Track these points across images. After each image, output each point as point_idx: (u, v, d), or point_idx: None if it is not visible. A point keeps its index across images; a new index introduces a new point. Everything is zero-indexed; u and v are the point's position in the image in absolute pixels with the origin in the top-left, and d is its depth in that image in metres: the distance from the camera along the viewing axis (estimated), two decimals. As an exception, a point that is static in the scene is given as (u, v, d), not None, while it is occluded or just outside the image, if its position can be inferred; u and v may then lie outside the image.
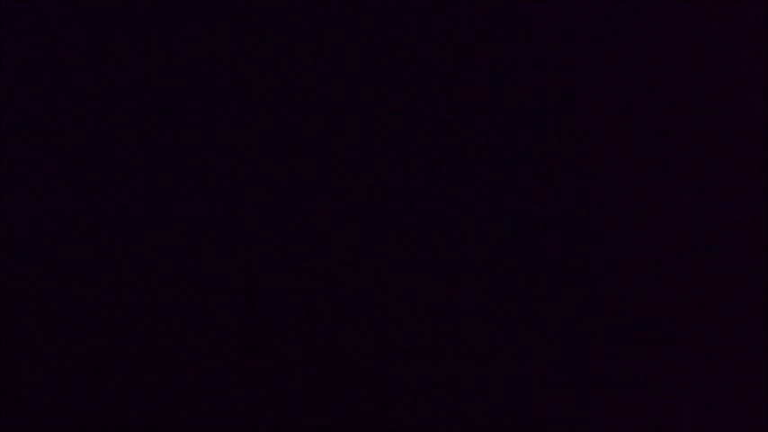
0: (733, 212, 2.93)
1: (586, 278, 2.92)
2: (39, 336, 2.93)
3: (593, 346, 2.92)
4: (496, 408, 2.90)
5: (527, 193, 2.94)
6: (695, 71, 2.96)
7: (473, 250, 2.94)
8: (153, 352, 2.92)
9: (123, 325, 2.93)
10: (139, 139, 2.97)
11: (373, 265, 2.94)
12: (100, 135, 2.97)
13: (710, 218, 2.93)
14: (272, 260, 2.95)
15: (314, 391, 2.92)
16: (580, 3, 2.94)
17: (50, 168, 2.96)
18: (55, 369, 2.92)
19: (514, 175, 2.94)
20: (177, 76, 2.97)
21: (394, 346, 2.93)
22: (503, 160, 2.94)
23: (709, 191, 2.94)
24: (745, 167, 2.93)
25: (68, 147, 2.96)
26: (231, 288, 2.95)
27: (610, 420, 2.90)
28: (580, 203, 2.93)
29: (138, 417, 2.92)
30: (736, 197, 2.93)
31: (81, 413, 2.92)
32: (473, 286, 2.93)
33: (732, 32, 2.94)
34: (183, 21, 2.96)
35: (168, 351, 2.92)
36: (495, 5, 2.94)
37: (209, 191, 2.96)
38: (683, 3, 2.95)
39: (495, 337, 2.93)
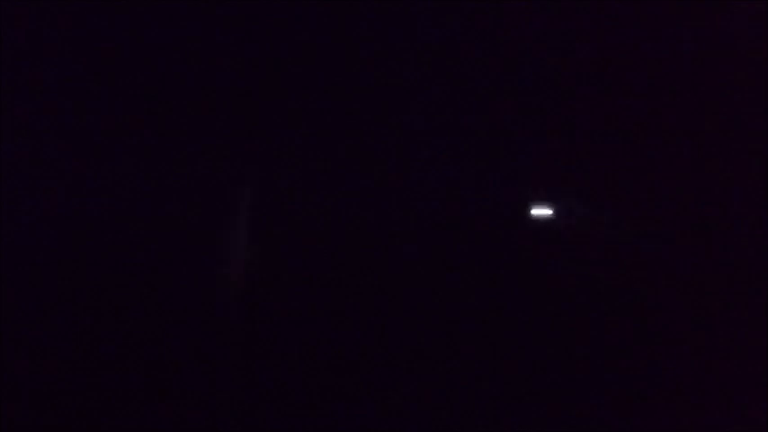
0: (733, 212, 2.93)
1: (586, 279, 2.93)
2: (38, 336, 2.93)
3: (592, 346, 2.93)
4: (496, 408, 2.91)
5: (527, 192, 2.95)
6: (695, 71, 2.97)
7: (472, 250, 2.95)
8: (152, 352, 2.93)
9: (122, 325, 2.94)
10: (139, 138, 2.98)
11: (372, 265, 2.95)
12: (99, 135, 2.98)
13: (711, 218, 2.94)
14: (270, 261, 2.96)
15: (314, 391, 2.93)
16: (581, 3, 2.95)
17: (50, 168, 2.97)
18: (55, 369, 2.93)
19: (514, 175, 2.95)
20: (177, 77, 2.98)
21: (393, 347, 2.94)
22: (502, 160, 2.95)
23: (709, 191, 2.94)
24: (745, 167, 2.93)
25: (68, 147, 2.97)
26: (230, 288, 2.96)
27: (611, 421, 2.91)
28: (580, 203, 2.94)
29: (138, 417, 2.92)
30: (736, 197, 2.93)
31: (81, 413, 2.92)
32: (472, 286, 2.94)
33: (732, 32, 2.95)
34: (183, 21, 2.97)
35: (167, 351, 2.93)
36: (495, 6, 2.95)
37: (208, 191, 2.97)
38: (684, 3, 2.96)
39: (496, 338, 2.93)
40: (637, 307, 2.93)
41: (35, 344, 2.92)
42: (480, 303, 2.94)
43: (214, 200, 2.96)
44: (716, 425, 2.88)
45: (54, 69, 2.98)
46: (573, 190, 2.95)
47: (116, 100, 2.98)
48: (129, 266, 2.94)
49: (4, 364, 2.89)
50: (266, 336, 2.94)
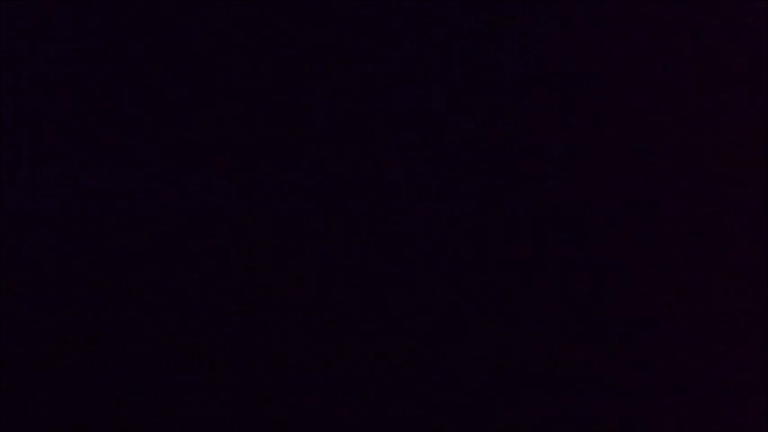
0: (733, 212, 2.93)
1: (586, 278, 2.92)
2: (39, 336, 2.93)
3: (592, 346, 2.92)
4: (497, 408, 2.90)
5: (527, 192, 2.94)
6: (695, 71, 2.96)
7: (471, 249, 2.94)
8: (152, 352, 2.93)
9: (123, 324, 2.94)
10: (140, 138, 2.97)
11: (372, 265, 2.95)
12: (100, 134, 2.98)
13: (710, 218, 2.93)
14: (270, 260, 2.95)
15: (313, 391, 2.93)
16: (581, 3, 2.95)
17: (50, 167, 2.96)
18: (55, 369, 2.93)
19: (514, 174, 2.94)
20: (177, 76, 2.97)
21: (392, 347, 2.93)
22: (502, 159, 2.94)
23: (709, 191, 2.94)
24: (745, 167, 2.93)
25: (69, 146, 2.97)
26: (230, 288, 2.95)
27: (610, 420, 2.90)
28: (580, 203, 2.93)
29: (138, 417, 2.92)
30: (736, 197, 2.93)
31: (81, 413, 2.92)
32: (472, 286, 2.94)
33: (732, 32, 2.94)
34: (183, 21, 2.97)
35: (168, 351, 2.93)
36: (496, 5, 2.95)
37: (208, 190, 2.96)
38: (684, 3, 2.95)
39: (496, 338, 2.93)
40: (635, 306, 2.93)
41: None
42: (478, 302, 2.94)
43: (213, 199, 2.96)
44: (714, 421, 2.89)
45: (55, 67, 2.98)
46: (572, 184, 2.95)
47: (115, 98, 2.98)
48: (128, 265, 2.94)
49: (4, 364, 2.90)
50: (265, 336, 2.94)
